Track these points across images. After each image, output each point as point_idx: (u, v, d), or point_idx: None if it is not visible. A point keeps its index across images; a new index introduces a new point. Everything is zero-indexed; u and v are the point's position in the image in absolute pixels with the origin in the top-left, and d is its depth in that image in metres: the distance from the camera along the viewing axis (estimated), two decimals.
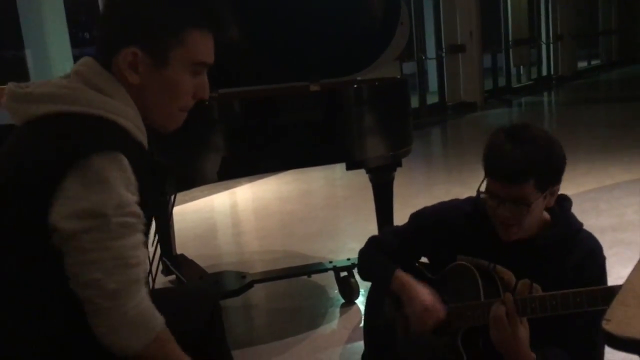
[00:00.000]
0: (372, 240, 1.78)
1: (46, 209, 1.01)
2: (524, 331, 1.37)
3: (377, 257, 1.71)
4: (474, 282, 1.49)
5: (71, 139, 1.05)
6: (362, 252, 1.78)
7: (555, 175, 1.45)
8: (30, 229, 1.03)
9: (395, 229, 1.80)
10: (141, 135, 1.15)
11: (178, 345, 1.15)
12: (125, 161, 1.05)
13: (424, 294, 1.57)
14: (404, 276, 1.61)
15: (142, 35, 1.13)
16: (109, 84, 1.13)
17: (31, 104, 1.10)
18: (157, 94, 1.16)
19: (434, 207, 1.70)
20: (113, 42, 1.14)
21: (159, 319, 1.10)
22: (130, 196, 1.05)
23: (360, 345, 1.89)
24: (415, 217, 1.72)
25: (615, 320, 0.71)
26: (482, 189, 1.49)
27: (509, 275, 1.49)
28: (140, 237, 1.07)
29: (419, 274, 1.68)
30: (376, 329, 1.80)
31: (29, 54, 5.67)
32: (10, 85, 1.14)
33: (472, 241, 1.57)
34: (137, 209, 1.06)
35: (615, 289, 1.15)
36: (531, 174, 1.39)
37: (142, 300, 1.07)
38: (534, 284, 1.46)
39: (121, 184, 1.03)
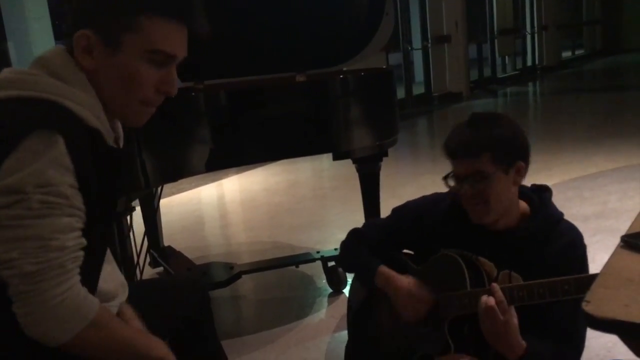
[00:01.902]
0: (353, 233, 1.78)
1: None
2: (513, 319, 1.38)
3: (359, 252, 1.71)
4: (459, 271, 1.50)
5: (11, 122, 1.03)
6: (344, 245, 1.78)
7: (513, 150, 1.49)
8: None
9: (377, 222, 1.81)
10: (97, 123, 1.11)
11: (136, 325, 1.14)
12: (61, 141, 1.01)
13: (409, 283, 1.58)
14: (387, 271, 1.62)
15: (94, 18, 1.10)
16: (67, 70, 1.10)
17: None
18: (112, 81, 1.12)
19: (415, 201, 1.72)
20: (71, 26, 1.12)
21: (91, 305, 1.06)
22: (58, 177, 1.00)
23: (347, 334, 1.91)
24: (397, 211, 1.74)
25: (595, 302, 0.73)
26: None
27: (490, 267, 1.51)
28: (67, 220, 1.02)
29: (403, 265, 1.69)
30: (360, 321, 1.81)
31: (11, 46, 5.60)
32: None
33: (453, 234, 1.58)
34: (67, 191, 1.01)
35: None
36: (484, 147, 1.45)
37: (70, 289, 1.02)
38: (513, 274, 1.48)
39: (49, 162, 0.99)
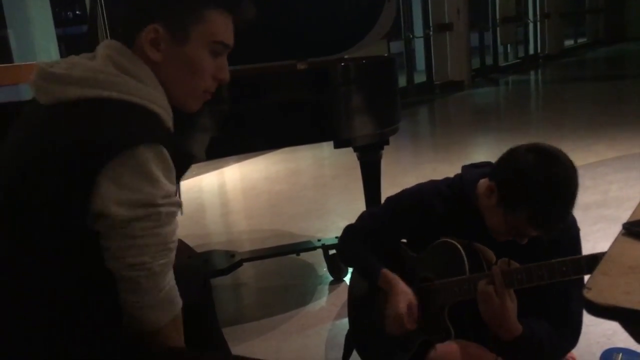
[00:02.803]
0: (349, 230, 1.76)
1: (88, 193, 1.02)
2: (511, 303, 1.40)
3: (360, 251, 1.71)
4: (458, 257, 1.51)
5: (113, 127, 1.06)
6: (342, 243, 1.77)
7: None
8: (61, 208, 1.03)
9: (371, 213, 1.79)
10: (170, 121, 1.17)
11: None
12: (166, 152, 1.07)
13: (400, 302, 1.57)
14: (388, 275, 1.62)
15: (163, 12, 1.15)
16: (140, 68, 1.14)
17: (65, 86, 1.10)
18: (178, 71, 1.18)
19: (410, 189, 1.69)
20: (135, 20, 1.16)
21: (179, 297, 1.16)
22: (172, 187, 1.09)
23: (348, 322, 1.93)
24: (391, 200, 1.71)
25: (596, 289, 0.73)
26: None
27: (489, 254, 1.51)
28: (176, 224, 1.13)
29: (402, 252, 1.69)
30: (361, 308, 1.82)
31: (11, 33, 5.58)
32: (41, 64, 1.14)
33: (450, 223, 1.58)
34: (178, 199, 1.11)
35: (599, 257, 1.18)
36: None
37: (171, 279, 1.13)
38: (512, 261, 1.48)
39: (165, 174, 1.07)
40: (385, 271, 1.62)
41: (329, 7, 2.72)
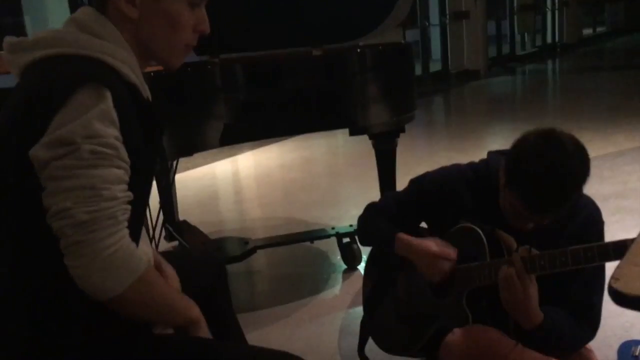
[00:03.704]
0: (370, 207, 1.76)
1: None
2: (533, 289, 1.38)
3: (377, 223, 1.70)
4: (479, 243, 1.49)
5: (57, 79, 1.04)
6: (362, 219, 1.77)
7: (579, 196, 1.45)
8: (23, 173, 1.02)
9: (394, 194, 1.79)
10: (135, 78, 1.14)
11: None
12: (108, 94, 1.03)
13: (430, 244, 1.56)
14: (405, 237, 1.61)
15: None
16: (102, 27, 1.12)
17: (25, 52, 1.10)
18: (156, 27, 1.16)
19: (434, 172, 1.68)
20: None
21: (142, 259, 1.07)
22: (105, 129, 1.02)
23: (362, 310, 1.91)
24: (415, 182, 1.71)
25: (624, 279, 0.70)
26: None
27: (510, 240, 1.50)
28: (116, 172, 1.04)
29: (422, 236, 1.67)
30: (376, 295, 1.80)
31: (27, 20, 5.60)
32: (7, 38, 1.14)
33: (473, 207, 1.57)
34: (113, 142, 1.03)
35: (628, 242, 1.16)
36: (563, 209, 1.40)
37: (121, 239, 1.03)
38: (533, 250, 1.47)
39: (96, 115, 1.01)
40: (401, 234, 1.60)
41: None
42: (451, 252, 1.55)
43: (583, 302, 1.47)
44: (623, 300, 0.68)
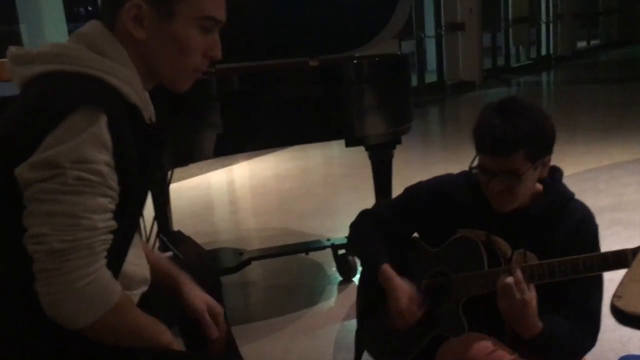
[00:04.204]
0: (363, 214, 1.75)
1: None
2: (532, 299, 1.37)
3: (367, 241, 1.69)
4: (477, 252, 1.49)
5: (54, 99, 1.02)
6: (354, 227, 1.76)
7: (545, 146, 1.46)
8: (7, 189, 1.00)
9: (388, 201, 1.79)
10: (137, 99, 1.11)
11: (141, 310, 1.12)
12: (104, 118, 1.00)
13: (402, 296, 1.55)
14: (389, 272, 1.59)
15: None
16: (108, 44, 1.10)
17: (28, 65, 1.08)
18: (164, 50, 1.13)
19: (429, 181, 1.70)
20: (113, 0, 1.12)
21: (114, 290, 1.04)
22: (95, 154, 0.99)
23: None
24: (409, 189, 1.72)
25: (627, 297, 0.69)
26: (474, 164, 1.51)
27: (505, 246, 1.50)
28: (101, 201, 1.00)
29: (418, 247, 1.67)
30: (369, 306, 1.80)
31: (23, 28, 5.58)
32: (12, 48, 1.11)
33: (466, 213, 1.57)
34: (103, 169, 1.00)
35: (627, 252, 1.15)
36: (520, 144, 1.41)
37: (96, 271, 1.00)
38: (528, 253, 1.48)
39: (88, 138, 0.98)
40: (386, 267, 1.60)
41: (342, 4, 2.68)
42: (417, 310, 1.55)
43: (582, 307, 1.45)
44: (625, 318, 0.67)
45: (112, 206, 1.04)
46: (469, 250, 1.51)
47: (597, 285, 1.47)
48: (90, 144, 0.98)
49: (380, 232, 1.68)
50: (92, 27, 1.13)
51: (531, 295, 1.36)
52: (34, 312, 1.01)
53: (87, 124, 0.99)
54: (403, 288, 1.57)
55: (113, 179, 1.03)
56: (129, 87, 1.09)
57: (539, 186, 1.53)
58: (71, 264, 0.97)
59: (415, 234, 1.73)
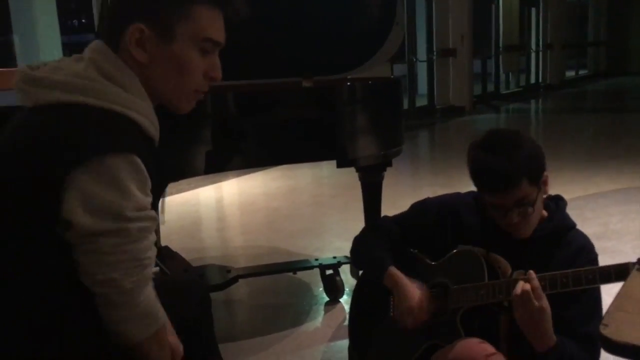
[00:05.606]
0: (369, 226, 1.82)
1: (55, 198, 0.99)
2: (548, 307, 1.38)
3: (372, 248, 1.73)
4: (478, 265, 1.52)
5: (85, 133, 1.02)
6: (358, 238, 1.80)
7: (541, 166, 1.51)
8: (34, 215, 1.01)
9: (394, 216, 1.82)
10: (153, 130, 1.14)
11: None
12: (139, 162, 1.03)
13: (414, 294, 1.60)
14: (396, 273, 1.64)
15: (146, 11, 1.11)
16: (123, 74, 1.11)
17: (45, 90, 1.08)
18: (166, 72, 1.14)
19: (436, 198, 1.76)
20: (119, 21, 1.13)
21: (162, 311, 1.12)
22: (146, 199, 1.05)
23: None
24: (416, 205, 1.77)
25: (613, 326, 0.70)
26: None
27: (504, 264, 1.53)
28: (152, 237, 1.08)
29: (419, 261, 1.70)
30: (364, 318, 1.82)
31: (16, 38, 5.58)
32: (24, 67, 1.12)
33: (469, 231, 1.61)
34: (153, 214, 1.07)
35: (630, 266, 1.17)
36: (521, 174, 1.45)
37: (150, 293, 1.10)
38: (529, 273, 1.49)
39: (137, 186, 1.03)
40: (393, 269, 1.64)
41: (337, 26, 2.71)
42: (428, 305, 1.59)
43: (583, 332, 1.46)
44: (612, 347, 0.68)
45: (155, 237, 1.11)
46: (470, 263, 1.55)
47: (597, 310, 1.49)
48: (140, 190, 1.03)
49: (384, 243, 1.73)
50: (101, 52, 1.13)
51: (547, 305, 1.37)
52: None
53: (132, 169, 1.02)
54: (412, 286, 1.61)
55: (157, 217, 1.10)
56: (147, 121, 1.12)
57: (544, 212, 1.57)
58: (139, 295, 1.07)
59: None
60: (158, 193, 1.16)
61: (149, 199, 1.05)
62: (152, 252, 1.09)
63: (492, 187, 1.48)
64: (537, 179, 1.48)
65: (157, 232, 3.17)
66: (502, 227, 1.53)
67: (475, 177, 1.51)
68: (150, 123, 1.13)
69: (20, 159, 1.03)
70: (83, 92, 1.07)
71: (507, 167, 1.43)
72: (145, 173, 1.04)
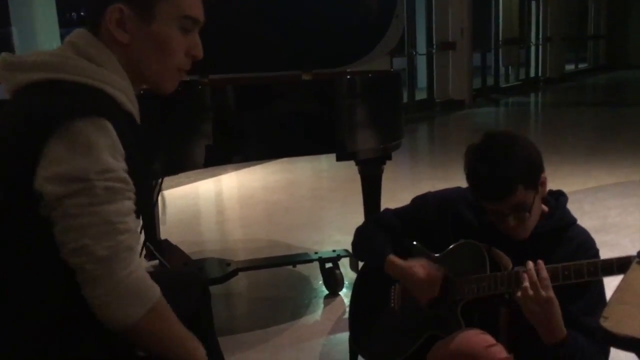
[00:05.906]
0: (371, 218, 1.83)
1: (31, 174, 0.99)
2: (557, 300, 1.37)
3: (372, 239, 1.74)
4: (480, 258, 1.53)
5: (55, 103, 1.03)
6: (360, 230, 1.81)
7: (537, 170, 1.50)
8: (18, 197, 1.01)
9: (396, 210, 1.82)
10: (131, 106, 1.14)
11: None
12: (111, 127, 1.03)
13: (417, 269, 1.60)
14: (395, 260, 1.65)
15: None
16: (100, 53, 1.12)
17: (22, 72, 1.09)
18: (148, 51, 1.15)
19: (437, 192, 1.76)
20: (99, 2, 1.14)
21: (155, 288, 1.08)
22: (115, 162, 1.03)
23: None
24: (418, 198, 1.78)
25: (614, 318, 0.70)
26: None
27: (506, 259, 1.53)
28: (128, 204, 1.05)
29: (421, 252, 1.70)
30: (365, 308, 1.83)
31: (15, 31, 5.56)
32: (3, 54, 1.12)
33: (470, 227, 1.62)
34: (124, 176, 1.04)
35: (632, 258, 1.17)
36: (517, 182, 1.44)
37: (136, 268, 1.05)
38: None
39: (106, 149, 1.01)
40: (392, 256, 1.65)
41: (336, 19, 2.71)
42: (437, 273, 1.59)
43: (588, 326, 1.45)
44: (613, 340, 0.68)
45: (134, 207, 1.08)
46: (472, 256, 1.55)
47: (604, 303, 1.48)
48: (109, 153, 1.02)
49: (386, 233, 1.74)
50: (80, 35, 1.14)
51: (555, 297, 1.37)
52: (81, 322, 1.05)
53: (101, 134, 1.01)
54: (416, 264, 1.61)
55: (131, 183, 1.07)
56: (124, 96, 1.12)
57: (545, 207, 1.57)
58: (116, 266, 1.02)
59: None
60: (146, 173, 1.17)
61: (121, 164, 1.04)
62: (131, 220, 1.05)
63: (487, 197, 1.49)
64: (534, 184, 1.47)
65: (156, 224, 3.19)
66: (501, 231, 1.53)
67: (471, 185, 1.52)
68: (127, 98, 1.13)
69: (3, 145, 1.04)
70: (57, 69, 1.08)
71: (501, 176, 1.43)
72: (116, 138, 1.03)
